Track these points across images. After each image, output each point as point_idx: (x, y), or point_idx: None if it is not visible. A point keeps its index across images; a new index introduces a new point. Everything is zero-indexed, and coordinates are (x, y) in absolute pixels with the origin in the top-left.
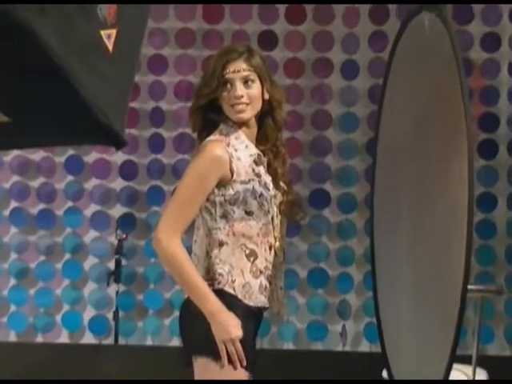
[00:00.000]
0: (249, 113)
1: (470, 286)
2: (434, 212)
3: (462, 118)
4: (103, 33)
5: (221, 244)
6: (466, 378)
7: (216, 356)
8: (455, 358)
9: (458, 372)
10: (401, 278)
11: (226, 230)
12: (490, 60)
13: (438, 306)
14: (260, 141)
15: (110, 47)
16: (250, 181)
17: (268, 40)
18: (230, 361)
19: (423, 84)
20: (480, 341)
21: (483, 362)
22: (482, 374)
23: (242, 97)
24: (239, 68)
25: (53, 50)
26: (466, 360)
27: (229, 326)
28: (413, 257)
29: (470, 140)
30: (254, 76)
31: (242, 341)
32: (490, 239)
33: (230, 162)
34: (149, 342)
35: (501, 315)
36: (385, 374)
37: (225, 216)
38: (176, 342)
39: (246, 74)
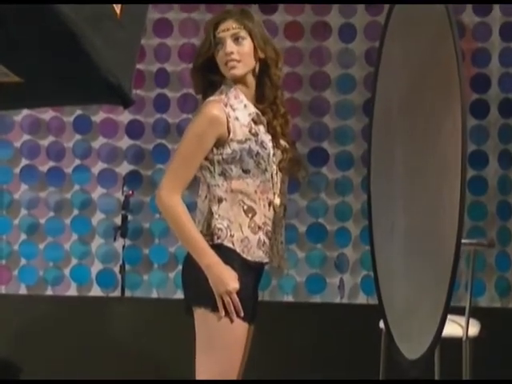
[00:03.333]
0: (240, 69)
1: (462, 240)
2: (428, 169)
3: (455, 78)
4: None
5: (220, 200)
6: (459, 329)
7: (214, 307)
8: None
9: (452, 323)
10: (396, 232)
11: (225, 187)
12: (482, 23)
13: (432, 260)
14: (259, 100)
15: (118, 11)
16: (246, 140)
17: (269, 4)
18: (227, 312)
19: (418, 46)
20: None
21: (475, 313)
22: (474, 325)
23: (232, 53)
24: (229, 27)
25: (66, 15)
26: (458, 311)
27: (225, 278)
28: (408, 212)
29: (463, 99)
30: (244, 33)
31: (239, 293)
32: (481, 195)
33: (228, 121)
34: (154, 294)
35: (492, 268)
36: (381, 324)
37: (223, 174)
38: (180, 294)
39: (235, 31)
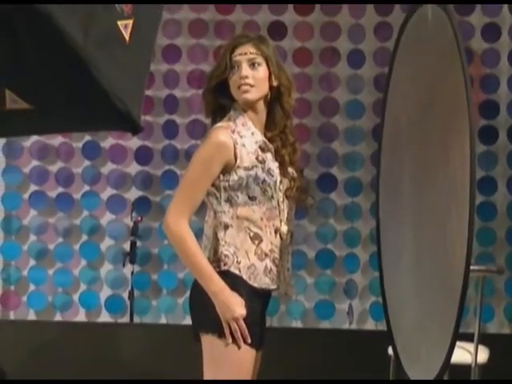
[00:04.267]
0: (253, 94)
1: (471, 267)
2: (437, 195)
3: (463, 104)
4: (120, 23)
5: (226, 227)
6: (468, 355)
7: (220, 333)
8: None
9: (461, 349)
10: (405, 259)
11: (231, 214)
12: (491, 49)
13: (441, 286)
14: (268, 127)
15: (127, 37)
16: (253, 167)
17: (277, 30)
18: (234, 339)
19: (427, 72)
20: (481, 319)
21: (484, 339)
22: (483, 352)
23: (246, 77)
24: (246, 51)
25: (74, 41)
26: (467, 337)
27: (232, 305)
28: (416, 238)
29: (472, 125)
30: (260, 60)
31: (245, 319)
32: (490, 221)
33: (235, 148)
34: (163, 320)
35: (501, 294)
36: (390, 351)
37: (229, 200)
38: (189, 320)
39: (252, 56)
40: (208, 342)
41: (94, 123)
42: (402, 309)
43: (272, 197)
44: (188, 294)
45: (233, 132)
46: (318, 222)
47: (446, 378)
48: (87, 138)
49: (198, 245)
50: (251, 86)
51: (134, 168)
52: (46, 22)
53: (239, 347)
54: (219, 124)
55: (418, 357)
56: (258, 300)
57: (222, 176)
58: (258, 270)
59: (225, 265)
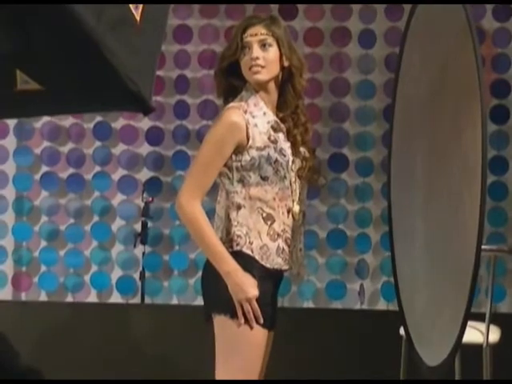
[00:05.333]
0: (264, 75)
1: (483, 246)
2: (448, 175)
3: (475, 84)
4: (131, 5)
5: (238, 207)
6: (480, 335)
7: (233, 314)
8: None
9: (473, 329)
10: (417, 239)
11: (243, 194)
12: (502, 29)
13: (452, 265)
14: (280, 108)
15: (138, 18)
16: (265, 147)
17: (288, 10)
18: (246, 319)
19: (438, 52)
20: (493, 299)
21: (495, 319)
22: (495, 331)
23: (257, 58)
24: (257, 32)
25: (85, 22)
26: (479, 317)
27: (245, 286)
28: (428, 218)
29: (484, 104)
30: (271, 40)
31: (258, 300)
32: (501, 201)
33: (247, 128)
34: (174, 301)
35: None
36: (402, 331)
37: (241, 181)
38: (200, 300)
39: (263, 37)
40: (220, 322)
41: (105, 104)
42: (413, 289)
43: (284, 177)
44: (199, 274)
45: (245, 112)
46: (329, 202)
47: (457, 357)
48: (98, 118)
49: (210, 225)
50: (262, 66)
51: (145, 149)
52: (59, 5)
53: (252, 328)
54: (231, 104)
55: (430, 337)
56: (270, 280)
57: (234, 156)
58: (270, 250)
59: (237, 245)
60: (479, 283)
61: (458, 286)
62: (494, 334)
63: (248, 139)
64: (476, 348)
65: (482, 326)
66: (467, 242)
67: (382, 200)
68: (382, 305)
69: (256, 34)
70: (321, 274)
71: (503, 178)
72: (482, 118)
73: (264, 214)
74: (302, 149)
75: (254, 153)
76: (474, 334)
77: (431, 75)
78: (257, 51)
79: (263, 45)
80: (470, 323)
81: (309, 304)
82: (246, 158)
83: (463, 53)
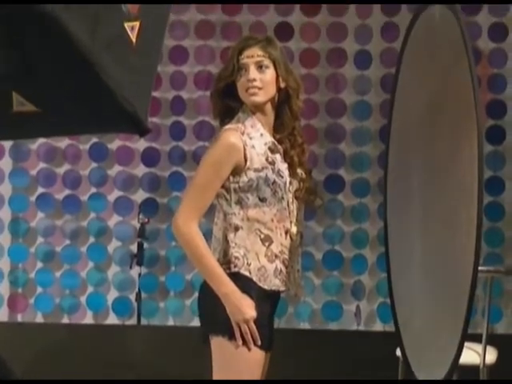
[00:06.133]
0: (261, 97)
1: (479, 267)
2: (445, 195)
3: (471, 104)
4: (127, 25)
5: (236, 228)
6: (477, 356)
7: (231, 336)
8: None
9: (469, 350)
10: (413, 260)
11: (241, 216)
12: (498, 49)
13: (449, 286)
14: (277, 129)
15: (134, 39)
16: (263, 168)
17: (284, 31)
18: (244, 341)
19: (434, 73)
20: (489, 319)
21: (492, 340)
22: (492, 353)
23: (254, 80)
24: (254, 53)
25: (81, 43)
26: (475, 338)
27: (243, 307)
28: (424, 239)
29: (480, 125)
30: (268, 62)
31: (256, 321)
32: (498, 221)
33: (244, 149)
34: (170, 322)
35: (509, 295)
36: (398, 352)
37: (239, 202)
38: (197, 321)
39: (259, 59)
40: (218, 344)
41: (101, 125)
42: (410, 310)
43: (282, 198)
44: (196, 295)
45: (242, 134)
46: (325, 223)
47: (454, 379)
48: (94, 139)
49: (208, 247)
50: (259, 88)
51: (141, 170)
52: (53, 25)
53: (249, 349)
54: (228, 126)
55: (427, 358)
56: (267, 302)
57: (232, 178)
58: (268, 271)
59: (235, 267)
60: (476, 304)
61: (455, 307)
62: (491, 355)
63: (246, 161)
64: (473, 369)
65: (479, 347)
66: (464, 262)
67: (379, 221)
68: (378, 326)
69: (253, 56)
70: (317, 295)
71: (499, 199)
72: (479, 139)
73: (262, 236)
74: (298, 170)
75: (251, 174)
76: (471, 355)
77: (427, 95)
78: (253, 73)
79: (260, 66)
80: (466, 344)
81: (305, 325)
82: (244, 179)
83: (459, 73)
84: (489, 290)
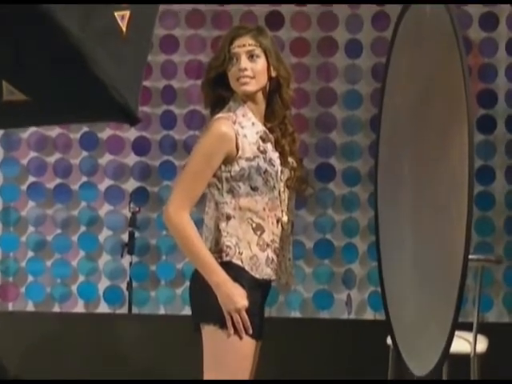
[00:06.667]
0: (253, 86)
1: (470, 256)
2: (435, 184)
3: (461, 93)
4: (117, 14)
5: (228, 218)
6: (467, 345)
7: (222, 324)
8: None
9: (460, 339)
10: (404, 248)
11: (233, 205)
12: (488, 39)
13: (440, 275)
14: (268, 118)
15: (124, 29)
16: (255, 158)
17: (275, 20)
18: (236, 330)
19: (424, 62)
20: (480, 308)
21: (483, 328)
22: (482, 341)
23: (245, 69)
24: (245, 43)
25: (71, 33)
26: (466, 327)
27: (234, 296)
28: (415, 227)
29: (470, 115)
30: (259, 51)
31: (247, 310)
32: (488, 211)
33: (236, 138)
34: (161, 311)
35: (499, 284)
36: (389, 341)
37: (231, 191)
38: (187, 310)
39: (251, 48)
40: (209, 332)
41: (91, 115)
42: (400, 299)
43: (274, 187)
44: (186, 284)
45: (234, 123)
46: (316, 212)
47: (445, 367)
48: (85, 129)
49: (199, 236)
50: (250, 78)
51: (131, 159)
52: (44, 16)
53: (241, 338)
54: (220, 115)
55: (417, 346)
56: (258, 291)
57: (223, 167)
58: (260, 260)
59: (227, 255)
60: (466, 293)
61: (446, 296)
62: (482, 344)
63: (237, 150)
64: (463, 358)
65: (470, 336)
66: (454, 251)
67: (369, 210)
68: (369, 314)
69: (244, 45)
70: (308, 283)
71: (490, 188)
72: (469, 128)
73: (254, 225)
74: (290, 159)
75: (243, 163)
76: (462, 343)
77: (418, 85)
78: (245, 62)
79: (251, 56)
80: (457, 333)
81: (296, 314)
82: (236, 168)
83: (450, 62)
84: (479, 279)
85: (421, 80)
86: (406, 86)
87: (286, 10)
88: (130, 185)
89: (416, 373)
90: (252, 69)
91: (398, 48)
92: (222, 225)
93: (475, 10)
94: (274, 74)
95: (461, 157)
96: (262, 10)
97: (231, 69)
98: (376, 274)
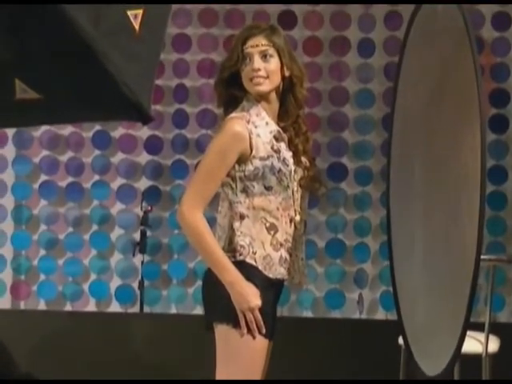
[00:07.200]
0: (266, 86)
1: (482, 256)
2: (448, 184)
3: (474, 93)
4: (130, 13)
5: (242, 217)
6: (479, 345)
7: (236, 324)
8: (468, 326)
9: (472, 339)
10: (416, 248)
11: (247, 204)
12: (501, 38)
13: (451, 275)
14: (281, 117)
15: (137, 27)
16: (268, 157)
17: (288, 19)
18: (249, 329)
19: (437, 61)
20: (492, 308)
21: (495, 328)
22: (494, 341)
23: (259, 70)
24: (258, 43)
25: (84, 31)
26: (478, 327)
27: (248, 295)
28: (427, 227)
29: (483, 114)
30: (272, 51)
31: (260, 309)
32: (501, 210)
33: (250, 138)
34: (173, 310)
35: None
36: (401, 341)
37: (245, 191)
38: (199, 310)
39: (264, 48)
40: (222, 332)
41: (104, 113)
42: (412, 298)
43: (287, 186)
44: (198, 283)
45: (248, 122)
46: (328, 212)
47: (456, 367)
48: (97, 127)
49: (213, 235)
50: (264, 78)
51: (144, 158)
52: (57, 14)
53: (254, 337)
54: (233, 114)
55: (429, 346)
56: (271, 290)
57: (237, 166)
58: (273, 260)
59: (240, 255)
60: (478, 292)
61: (457, 296)
62: (493, 344)
63: (251, 149)
64: (475, 358)
65: (481, 336)
66: (466, 251)
67: (381, 209)
68: (380, 314)
69: (257, 45)
70: (320, 283)
71: (502, 188)
72: (481, 128)
73: (267, 224)
74: (303, 158)
75: (257, 163)
76: (473, 343)
77: (430, 84)
78: (258, 62)
79: (264, 55)
80: (469, 333)
81: (308, 313)
82: (250, 167)
83: (462, 62)
84: (491, 279)
85: (433, 79)
86: (418, 85)
87: (299, 9)
88: (142, 183)
89: (428, 373)
90: (265, 69)
91: (410, 47)
92: (236, 224)
93: (487, 10)
94: (287, 74)
95: (473, 156)
96: (274, 9)
97: (244, 69)
98: (388, 273)
